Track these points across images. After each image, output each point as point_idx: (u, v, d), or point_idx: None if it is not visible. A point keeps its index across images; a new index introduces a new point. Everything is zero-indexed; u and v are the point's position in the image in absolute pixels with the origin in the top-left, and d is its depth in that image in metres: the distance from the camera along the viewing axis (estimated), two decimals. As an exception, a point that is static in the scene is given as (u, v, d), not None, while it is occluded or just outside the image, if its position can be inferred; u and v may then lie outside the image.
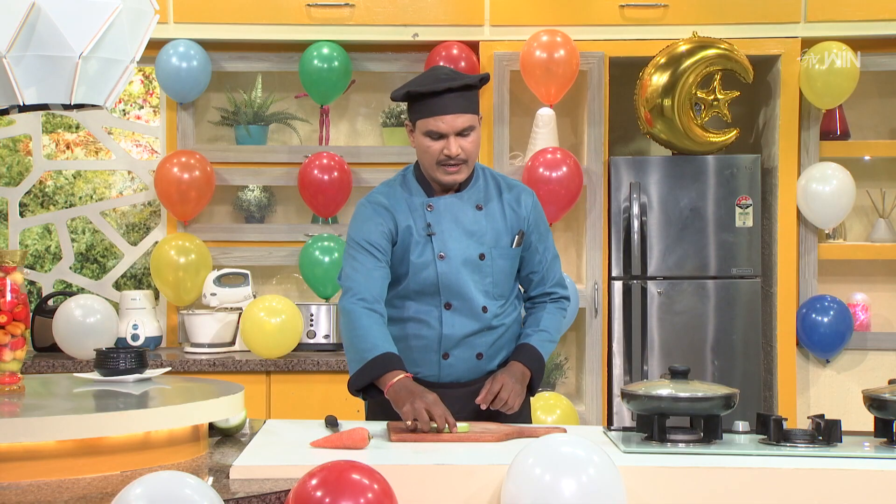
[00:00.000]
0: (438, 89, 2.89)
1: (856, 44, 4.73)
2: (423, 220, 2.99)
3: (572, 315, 4.56)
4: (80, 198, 6.66)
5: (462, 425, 2.69)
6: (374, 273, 2.94)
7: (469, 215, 3.00)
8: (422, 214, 2.99)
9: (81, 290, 5.17)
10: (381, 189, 3.06)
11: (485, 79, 2.99)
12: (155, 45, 4.75)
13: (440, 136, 2.91)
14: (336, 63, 4.82)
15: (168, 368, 3.08)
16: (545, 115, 4.76)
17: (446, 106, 2.90)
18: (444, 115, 2.89)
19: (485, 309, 2.98)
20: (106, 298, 4.80)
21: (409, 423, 2.69)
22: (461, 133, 2.92)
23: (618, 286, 4.77)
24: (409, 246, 2.98)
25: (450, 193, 3.01)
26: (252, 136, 5.00)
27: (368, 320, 2.88)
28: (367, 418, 3.12)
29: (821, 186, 4.73)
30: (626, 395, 2.65)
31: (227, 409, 2.61)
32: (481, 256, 2.98)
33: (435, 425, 2.67)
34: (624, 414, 4.64)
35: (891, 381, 2.78)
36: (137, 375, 2.84)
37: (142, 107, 6.80)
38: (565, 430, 2.73)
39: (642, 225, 4.73)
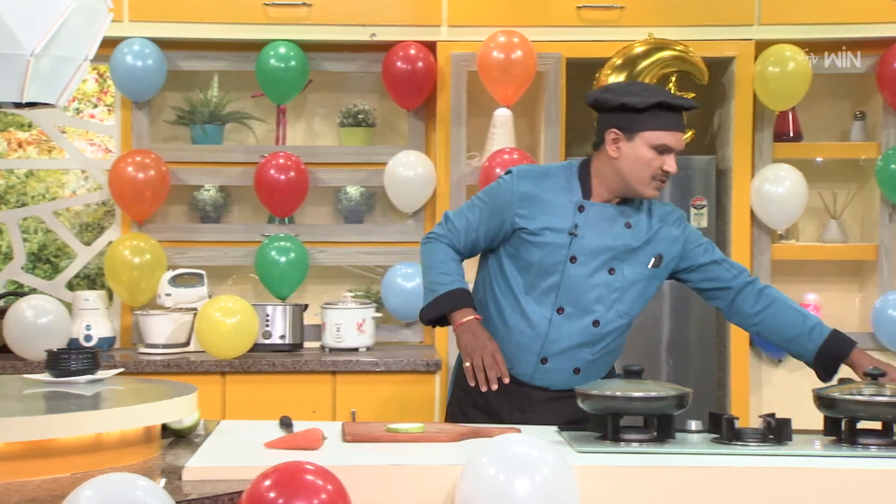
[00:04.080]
0: (686, 105, 2.94)
1: (808, 46, 4.79)
2: (571, 219, 2.97)
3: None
4: (33, 197, 6.58)
5: (416, 425, 2.70)
6: (472, 234, 3.03)
7: (616, 228, 2.99)
8: (571, 213, 2.97)
9: (33, 291, 5.11)
10: (541, 176, 3.03)
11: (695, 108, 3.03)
12: (109, 44, 4.70)
13: (666, 150, 2.92)
14: (293, 63, 4.80)
15: (121, 369, 3.06)
16: (502, 115, 4.78)
17: (678, 123, 2.93)
18: (677, 132, 2.92)
19: (596, 323, 2.97)
20: (58, 299, 4.75)
21: (466, 364, 2.88)
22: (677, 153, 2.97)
23: (574, 286, 4.79)
24: (546, 241, 2.96)
25: (607, 202, 3.00)
26: (208, 135, 4.97)
27: (446, 255, 3.02)
28: (447, 418, 3.15)
29: (774, 188, 4.78)
30: (580, 395, 2.66)
31: (180, 409, 2.59)
32: (611, 271, 2.98)
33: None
34: (580, 414, 4.67)
35: (840, 381, 2.82)
36: (89, 376, 2.81)
37: (96, 105, 6.73)
38: (519, 430, 2.74)
39: (598, 225, 4.74)
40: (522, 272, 3.00)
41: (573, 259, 2.96)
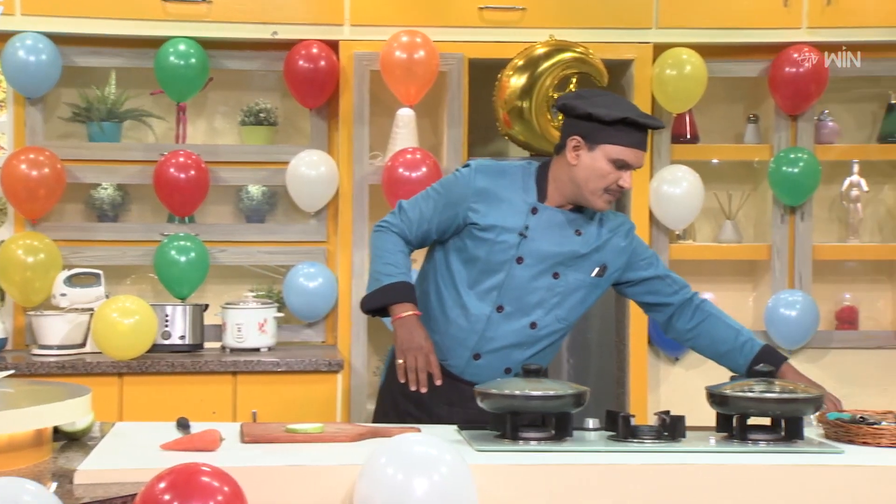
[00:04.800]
0: (652, 125, 2.95)
1: (704, 50, 4.88)
2: (523, 220, 2.98)
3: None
4: (-78, 194, 6.37)
5: (315, 426, 2.68)
6: (424, 225, 3.04)
7: (566, 234, 3.00)
8: (523, 214, 2.98)
9: (-78, 291, 4.96)
10: (498, 173, 3.03)
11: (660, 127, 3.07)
12: (1, 38, 4.58)
13: (624, 166, 2.93)
14: (193, 60, 4.74)
15: (12, 371, 2.99)
16: (405, 115, 4.78)
17: (642, 142, 2.94)
18: (639, 150, 2.93)
19: (534, 325, 2.98)
20: (-52, 299, 4.62)
21: (398, 361, 2.91)
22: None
23: (476, 286, 4.82)
24: (495, 239, 2.97)
25: (560, 207, 3.01)
26: (105, 133, 4.87)
27: (395, 245, 3.02)
28: (378, 406, 3.15)
29: (672, 188, 4.87)
30: (480, 394, 2.68)
31: (72, 411, 2.54)
32: (555, 275, 2.99)
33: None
34: (482, 412, 4.69)
35: (732, 378, 2.89)
36: (-22, 379, 2.74)
37: (-12, 101, 6.56)
38: (419, 430, 2.75)
39: (500, 225, 4.77)
40: (468, 267, 3.02)
41: (520, 260, 2.98)
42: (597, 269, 3.05)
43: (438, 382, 2.90)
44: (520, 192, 3.02)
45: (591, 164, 2.94)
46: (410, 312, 2.95)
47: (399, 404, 3.09)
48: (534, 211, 3.00)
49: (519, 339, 3.01)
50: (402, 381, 2.94)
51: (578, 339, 4.84)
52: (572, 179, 2.98)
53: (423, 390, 2.90)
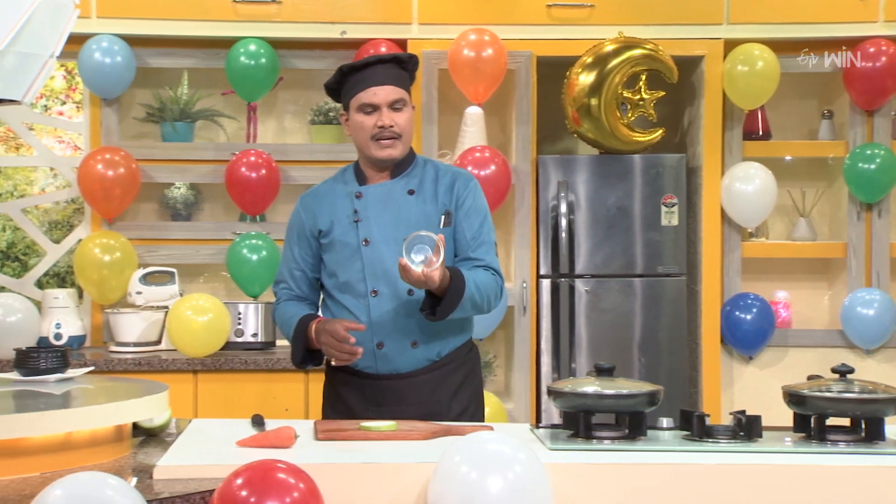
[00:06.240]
0: (370, 61, 2.99)
1: (776, 46, 4.82)
2: (351, 207, 3.02)
3: (501, 311, 4.58)
4: (1, 195, 6.53)
5: (389, 424, 2.69)
6: (297, 272, 3.11)
7: (399, 200, 3.02)
8: (351, 203, 3.02)
9: (2, 289, 5.07)
10: (317, 188, 3.15)
11: (415, 59, 3.07)
12: (77, 40, 4.67)
13: (373, 108, 2.98)
14: (263, 60, 4.79)
15: (91, 368, 3.04)
16: (473, 113, 4.78)
17: (377, 77, 2.98)
18: (375, 86, 2.97)
19: (410, 292, 2.97)
20: (28, 297, 4.71)
21: (333, 363, 3.00)
22: (393, 107, 2.98)
23: (546, 284, 4.81)
24: (335, 236, 3.02)
25: (383, 181, 3.03)
26: (178, 132, 4.94)
27: (286, 308, 3.10)
28: (324, 415, 3.14)
29: (744, 186, 4.81)
30: (552, 393, 2.66)
31: (150, 408, 2.58)
32: None
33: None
34: (552, 411, 4.68)
35: (810, 377, 2.84)
36: (59, 375, 2.78)
37: (64, 102, 6.69)
38: (492, 428, 2.74)
39: (570, 223, 4.76)
40: (332, 274, 3.05)
41: (366, 241, 2.99)
42: (443, 219, 3.03)
43: (357, 350, 2.88)
44: (341, 187, 3.08)
45: (353, 123, 3.02)
46: (313, 324, 2.99)
47: (334, 418, 3.07)
48: (358, 195, 3.03)
49: (407, 310, 2.98)
50: (341, 365, 2.99)
51: (649, 337, 4.80)
52: (357, 149, 3.06)
53: (355, 357, 2.90)
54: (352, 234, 3.00)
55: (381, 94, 2.97)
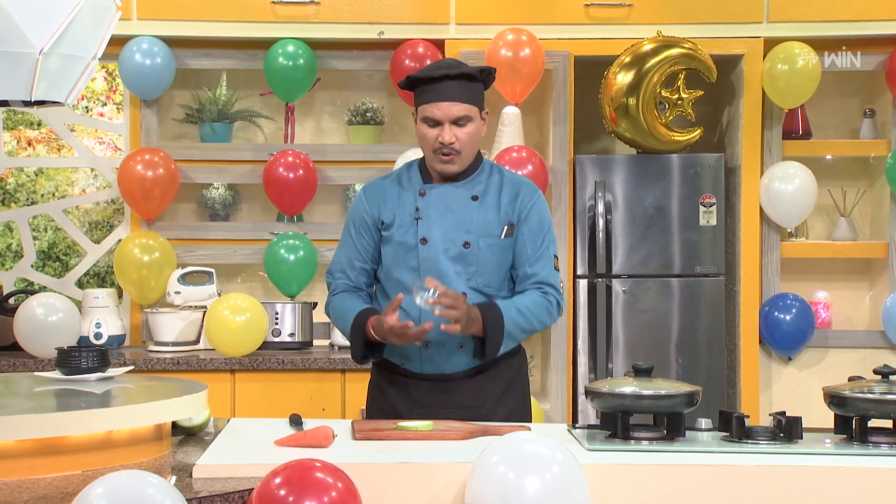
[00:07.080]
0: (436, 75, 2.95)
1: (817, 44, 4.78)
2: (413, 204, 3.01)
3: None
4: (42, 195, 6.60)
5: (426, 423, 2.70)
6: (357, 263, 3.07)
7: (462, 204, 3.01)
8: (414, 200, 3.01)
9: (43, 289, 5.13)
10: (381, 180, 3.13)
11: (488, 71, 3.03)
12: (118, 42, 4.71)
13: (436, 123, 2.96)
14: (301, 61, 4.81)
15: (131, 367, 3.06)
16: (511, 113, 4.77)
17: (442, 93, 2.94)
18: (439, 101, 2.94)
19: (464, 296, 2.97)
20: (68, 297, 4.76)
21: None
22: (457, 122, 2.95)
23: (583, 284, 4.79)
24: (395, 230, 3.01)
25: (448, 183, 3.03)
26: (217, 133, 4.97)
27: (342, 301, 3.06)
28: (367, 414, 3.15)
29: (783, 185, 4.77)
30: (589, 393, 2.66)
31: (190, 407, 2.59)
32: (466, 244, 2.98)
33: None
34: (589, 412, 4.66)
35: (851, 378, 2.81)
36: (99, 374, 2.81)
37: (105, 104, 6.75)
38: (529, 428, 2.74)
39: (607, 223, 4.75)
40: (386, 268, 3.04)
41: (423, 241, 2.98)
42: (505, 229, 3.02)
43: (423, 328, 2.85)
44: (406, 183, 3.06)
45: (418, 132, 3.01)
46: (373, 320, 2.95)
47: (386, 400, 3.08)
48: (422, 193, 3.02)
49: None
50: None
51: (687, 338, 4.77)
52: (422, 150, 3.05)
53: (423, 338, 2.88)
54: (411, 231, 3.00)
55: (445, 108, 2.94)
